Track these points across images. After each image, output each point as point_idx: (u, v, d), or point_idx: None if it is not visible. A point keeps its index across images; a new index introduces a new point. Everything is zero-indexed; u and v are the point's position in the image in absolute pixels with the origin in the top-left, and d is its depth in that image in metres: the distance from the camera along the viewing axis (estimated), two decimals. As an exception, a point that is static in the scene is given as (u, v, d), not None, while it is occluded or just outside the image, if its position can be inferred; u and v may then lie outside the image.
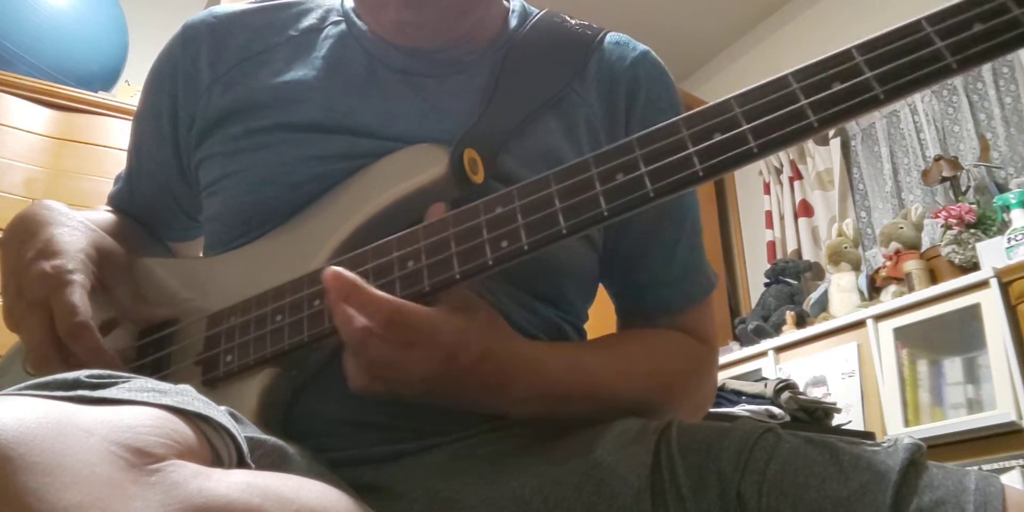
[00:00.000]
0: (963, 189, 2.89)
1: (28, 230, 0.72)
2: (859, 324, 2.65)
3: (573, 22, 0.82)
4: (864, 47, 0.52)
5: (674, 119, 0.57)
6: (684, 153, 0.55)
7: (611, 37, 0.82)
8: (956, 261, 2.64)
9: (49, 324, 0.65)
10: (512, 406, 0.64)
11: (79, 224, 0.73)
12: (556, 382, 0.65)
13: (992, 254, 2.46)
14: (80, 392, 0.39)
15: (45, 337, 0.65)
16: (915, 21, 0.51)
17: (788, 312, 3.11)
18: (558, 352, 0.69)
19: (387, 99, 0.75)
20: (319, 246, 0.68)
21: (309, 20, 0.82)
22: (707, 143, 0.55)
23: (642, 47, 0.83)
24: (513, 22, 0.82)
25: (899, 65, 0.51)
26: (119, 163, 0.95)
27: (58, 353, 0.65)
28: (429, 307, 0.59)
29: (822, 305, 3.11)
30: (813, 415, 1.76)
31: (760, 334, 3.12)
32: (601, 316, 0.85)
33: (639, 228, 0.78)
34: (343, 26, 0.80)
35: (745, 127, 0.54)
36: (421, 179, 0.67)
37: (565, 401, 0.66)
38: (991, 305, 2.29)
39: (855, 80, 0.52)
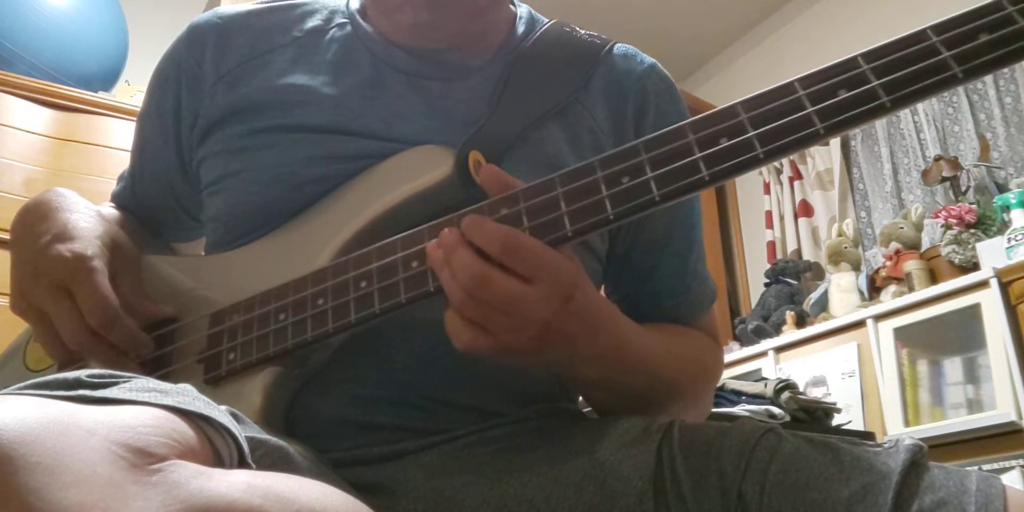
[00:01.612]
0: (963, 189, 2.89)
1: (42, 214, 0.72)
2: (859, 324, 2.65)
3: (582, 32, 0.83)
4: (870, 55, 0.53)
5: (680, 124, 0.57)
6: (690, 158, 0.55)
7: (619, 49, 0.82)
8: (956, 261, 2.64)
9: (79, 312, 0.66)
10: (588, 362, 0.62)
11: (94, 213, 0.74)
12: (626, 343, 0.65)
13: (992, 254, 2.46)
14: (81, 392, 0.39)
15: (78, 323, 0.66)
16: (921, 30, 0.52)
17: (788, 312, 3.11)
18: (625, 317, 0.67)
19: (392, 101, 0.75)
20: (323, 246, 0.68)
21: (314, 21, 0.82)
22: (713, 148, 0.55)
23: (649, 60, 0.83)
24: (521, 29, 0.82)
25: (905, 74, 0.51)
26: (119, 163, 0.95)
27: (93, 339, 0.66)
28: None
29: (822, 305, 3.11)
30: (813, 415, 1.76)
31: (760, 334, 3.12)
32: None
33: (651, 239, 0.79)
34: (348, 28, 0.81)
35: (752, 133, 0.54)
36: (426, 180, 0.67)
37: (626, 366, 0.65)
38: (991, 305, 2.29)
39: (861, 88, 0.52)
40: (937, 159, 2.94)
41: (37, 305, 0.68)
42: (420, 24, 0.75)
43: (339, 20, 0.82)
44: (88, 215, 0.73)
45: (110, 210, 0.88)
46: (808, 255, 3.48)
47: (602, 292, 0.84)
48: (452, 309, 0.57)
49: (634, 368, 0.66)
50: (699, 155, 0.55)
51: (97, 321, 0.65)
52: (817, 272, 3.40)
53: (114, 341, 0.65)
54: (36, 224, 0.71)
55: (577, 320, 0.59)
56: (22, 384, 0.39)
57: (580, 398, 0.78)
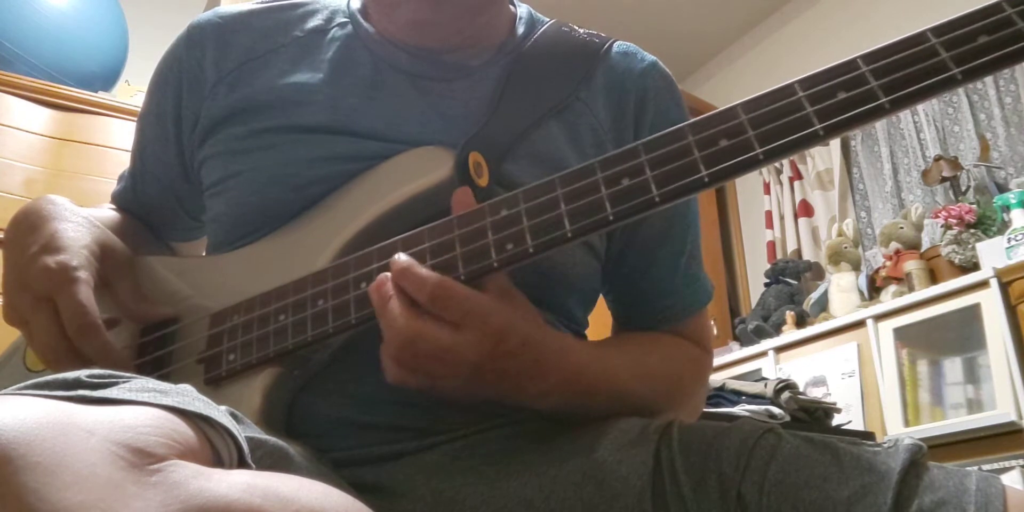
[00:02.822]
0: (963, 189, 2.89)
1: (31, 224, 0.72)
2: (859, 324, 2.65)
3: (581, 31, 0.83)
4: (870, 57, 0.53)
5: (680, 125, 0.57)
6: (690, 158, 0.55)
7: (618, 47, 0.82)
8: (956, 261, 2.64)
9: (57, 322, 0.65)
10: (539, 397, 0.64)
11: (83, 220, 0.73)
12: (581, 374, 0.65)
13: (992, 254, 2.46)
14: (81, 392, 0.39)
15: (54, 333, 0.65)
16: (920, 32, 0.52)
17: (788, 312, 3.11)
18: (582, 345, 0.69)
19: (393, 101, 0.75)
20: (323, 247, 0.68)
21: (315, 21, 0.81)
22: (713, 149, 0.55)
23: (650, 58, 0.83)
24: (521, 29, 0.82)
25: (904, 75, 0.51)
26: (119, 163, 0.95)
27: (68, 351, 0.65)
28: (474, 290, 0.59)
29: (822, 305, 3.11)
30: (813, 415, 1.76)
31: (760, 334, 3.12)
32: (600, 321, 0.85)
33: (646, 238, 0.79)
34: (349, 28, 0.80)
35: (751, 134, 0.54)
36: (426, 181, 0.67)
37: (586, 394, 0.66)
38: (991, 305, 2.29)
39: (860, 89, 0.52)
40: (937, 159, 2.94)
41: (23, 315, 0.68)
42: (420, 21, 0.74)
43: (340, 20, 0.81)
44: (77, 223, 0.72)
45: (106, 213, 0.88)
46: (808, 255, 3.48)
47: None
48: (385, 350, 0.59)
49: (595, 394, 0.67)
50: (699, 156, 0.55)
51: (72, 331, 0.65)
52: (817, 272, 3.40)
53: (87, 352, 0.65)
54: (26, 235, 0.71)
55: (514, 360, 0.60)
56: (22, 384, 0.39)
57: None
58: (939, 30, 0.51)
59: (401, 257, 0.59)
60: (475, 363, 0.58)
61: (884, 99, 0.51)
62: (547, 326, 0.64)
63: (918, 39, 0.52)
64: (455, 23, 0.76)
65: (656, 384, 0.73)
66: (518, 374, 0.61)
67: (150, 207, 0.89)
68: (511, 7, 0.84)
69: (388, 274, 0.59)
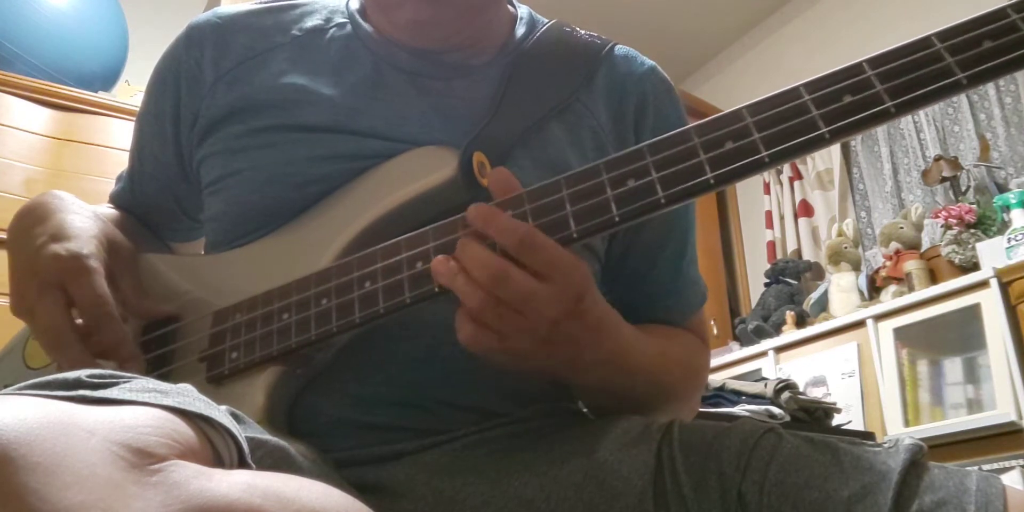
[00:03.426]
0: (963, 189, 2.89)
1: (39, 216, 0.72)
2: (859, 324, 2.66)
3: (582, 33, 0.83)
4: (875, 61, 0.53)
5: (685, 127, 0.57)
6: (696, 160, 0.55)
7: (619, 50, 0.82)
8: (956, 261, 2.64)
9: (65, 308, 0.65)
10: (590, 368, 0.62)
11: (90, 213, 0.74)
12: (628, 348, 0.65)
13: (992, 254, 2.46)
14: (81, 392, 0.39)
15: (62, 322, 0.65)
16: (925, 37, 0.52)
17: (788, 312, 3.11)
18: (625, 322, 0.67)
19: (393, 101, 0.75)
20: (326, 246, 0.68)
21: (313, 21, 0.82)
22: (719, 151, 0.55)
23: (650, 63, 0.83)
24: (521, 30, 0.82)
25: (910, 80, 0.51)
26: (119, 163, 0.95)
27: (76, 338, 0.65)
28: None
29: (822, 305, 3.11)
30: (813, 415, 1.76)
31: (760, 334, 3.12)
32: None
33: (647, 241, 0.79)
34: (348, 28, 0.80)
35: (756, 136, 0.54)
36: (430, 181, 0.67)
37: (626, 371, 0.66)
38: (991, 305, 2.29)
39: (866, 93, 0.52)
40: (937, 159, 2.94)
41: (29, 303, 0.68)
42: (420, 21, 0.74)
43: (339, 20, 0.81)
44: (84, 215, 0.73)
45: (108, 210, 0.88)
46: (808, 255, 3.48)
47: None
48: (464, 310, 0.57)
49: (634, 373, 0.67)
50: (704, 158, 0.55)
51: (91, 320, 0.65)
52: (817, 272, 3.40)
53: (103, 341, 0.65)
54: (33, 226, 0.71)
55: (583, 323, 0.59)
56: (22, 384, 0.39)
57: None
58: (944, 35, 0.51)
59: (482, 206, 0.58)
60: (553, 319, 0.56)
61: (890, 103, 0.51)
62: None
63: (923, 44, 0.52)
64: (455, 23, 0.76)
65: (679, 369, 0.74)
66: (581, 339, 0.59)
67: (148, 207, 0.89)
68: (511, 7, 0.84)
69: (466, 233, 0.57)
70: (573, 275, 0.57)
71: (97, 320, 0.65)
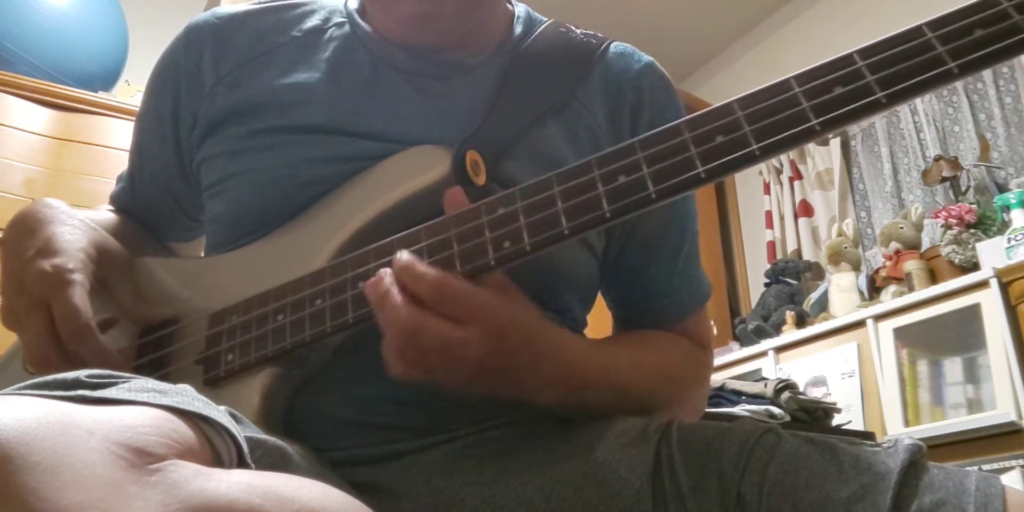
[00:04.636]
0: (963, 189, 2.89)
1: (28, 228, 0.72)
2: (859, 324, 2.65)
3: (579, 32, 0.83)
4: (865, 52, 0.53)
5: (676, 122, 0.57)
6: (686, 155, 0.55)
7: (615, 47, 0.82)
8: (956, 261, 2.64)
9: (49, 324, 0.66)
10: (537, 390, 0.63)
11: (79, 223, 0.73)
12: (580, 368, 0.65)
13: (992, 254, 2.46)
14: (80, 392, 0.39)
15: (45, 336, 0.66)
16: (916, 27, 0.52)
17: (788, 312, 3.11)
18: (580, 339, 0.69)
19: (391, 100, 0.75)
20: (321, 246, 0.68)
21: (312, 21, 0.82)
22: (709, 145, 0.55)
23: (647, 58, 0.83)
24: (518, 28, 0.82)
25: (900, 70, 0.51)
26: (119, 163, 0.95)
27: (59, 353, 0.65)
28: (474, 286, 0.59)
29: (822, 305, 3.11)
30: (813, 415, 1.76)
31: (760, 334, 3.12)
32: (600, 321, 0.85)
33: (645, 237, 0.79)
34: (347, 28, 0.80)
35: (747, 129, 0.54)
36: (424, 180, 0.67)
37: (585, 388, 0.66)
38: (991, 305, 2.29)
39: (857, 84, 0.52)
40: (937, 159, 2.94)
41: (19, 319, 0.68)
42: (421, 15, 0.74)
43: (337, 20, 0.82)
44: (73, 226, 0.72)
45: (104, 215, 0.88)
46: (808, 255, 3.48)
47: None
48: (386, 346, 0.58)
49: (595, 388, 0.67)
50: (695, 152, 0.55)
51: (66, 333, 0.65)
52: (817, 272, 3.40)
53: (81, 354, 0.65)
54: (23, 238, 0.71)
55: (513, 356, 0.59)
56: (22, 384, 0.39)
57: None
58: (935, 24, 0.51)
59: (403, 255, 0.59)
60: (478, 359, 0.57)
61: (880, 94, 0.51)
62: (546, 320, 0.64)
63: (914, 34, 0.52)
64: (456, 17, 0.76)
65: (656, 379, 0.73)
66: (518, 368, 0.60)
67: (148, 208, 0.89)
68: (508, 6, 0.84)
69: (386, 270, 0.59)
70: (493, 316, 0.58)
71: (72, 333, 0.65)
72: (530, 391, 0.63)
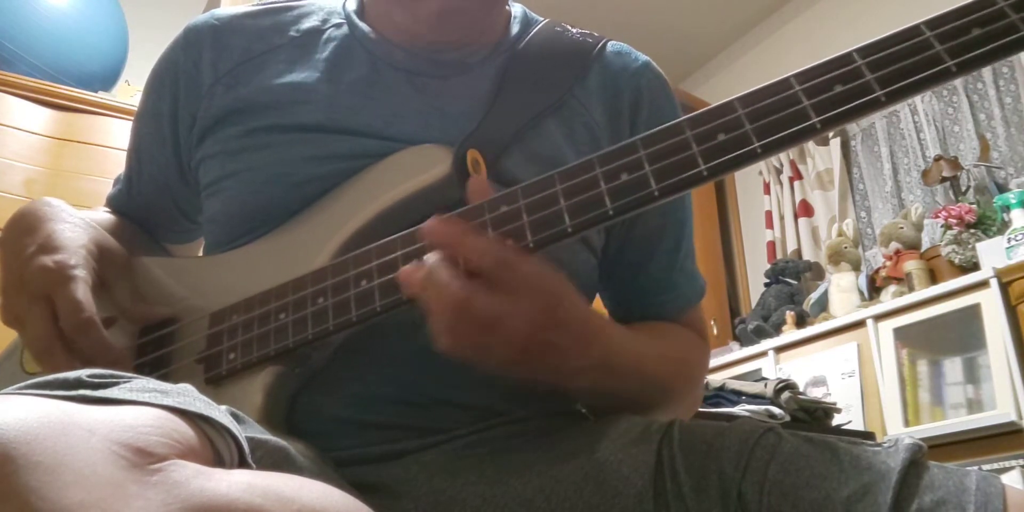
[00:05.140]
0: (963, 189, 2.89)
1: (29, 225, 0.72)
2: (859, 324, 2.66)
3: (575, 31, 0.83)
4: (865, 50, 0.53)
5: (678, 120, 0.57)
6: (688, 153, 0.55)
7: (612, 46, 0.83)
8: (956, 261, 2.64)
9: (52, 318, 0.65)
10: (576, 373, 0.62)
11: (80, 221, 0.74)
12: (618, 352, 0.65)
13: (992, 254, 2.46)
14: (82, 392, 0.39)
15: (48, 331, 0.65)
16: (914, 25, 0.52)
17: (788, 312, 3.11)
18: (616, 324, 0.68)
19: (390, 99, 0.75)
20: (321, 245, 0.68)
21: (310, 22, 0.82)
22: (711, 143, 0.55)
23: (644, 58, 0.84)
24: (515, 28, 0.83)
25: (899, 68, 0.52)
26: (119, 163, 0.95)
27: (62, 347, 0.65)
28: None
29: (822, 305, 3.11)
30: (813, 415, 1.76)
31: (760, 334, 3.12)
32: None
33: (643, 234, 0.80)
34: (345, 28, 0.81)
35: (748, 127, 0.54)
36: (424, 179, 0.67)
37: (618, 374, 0.65)
38: (991, 305, 2.29)
39: (856, 82, 0.52)
40: (937, 159, 2.94)
41: (19, 315, 0.68)
42: (449, 10, 0.74)
43: (336, 20, 0.82)
44: (74, 224, 0.72)
45: (103, 215, 0.88)
46: (808, 255, 3.48)
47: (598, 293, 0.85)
48: (435, 321, 0.57)
49: (627, 375, 0.67)
50: (697, 150, 0.55)
51: (70, 327, 0.65)
52: (817, 272, 3.40)
53: (85, 349, 0.65)
54: (23, 236, 0.71)
55: (563, 332, 0.59)
56: (22, 384, 0.39)
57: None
58: (933, 23, 0.52)
59: (443, 222, 0.57)
60: (528, 333, 0.56)
61: (880, 92, 0.52)
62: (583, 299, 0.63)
63: (912, 32, 0.52)
64: (480, 10, 0.77)
65: (675, 367, 0.74)
66: (564, 347, 0.59)
67: (146, 209, 0.89)
68: (505, 6, 0.85)
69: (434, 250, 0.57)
70: (545, 288, 0.57)
71: (76, 327, 0.64)
72: (570, 374, 0.62)
